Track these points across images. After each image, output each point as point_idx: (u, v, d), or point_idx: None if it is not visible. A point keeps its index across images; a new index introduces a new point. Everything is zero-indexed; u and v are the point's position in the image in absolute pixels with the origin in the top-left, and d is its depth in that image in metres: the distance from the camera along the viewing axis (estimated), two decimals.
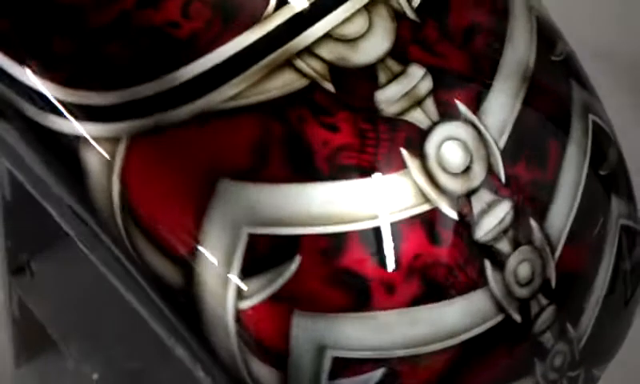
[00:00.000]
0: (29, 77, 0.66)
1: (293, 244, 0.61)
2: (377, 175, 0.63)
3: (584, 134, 0.73)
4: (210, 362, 0.66)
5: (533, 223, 0.68)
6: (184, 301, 0.63)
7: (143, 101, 0.63)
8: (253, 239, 0.61)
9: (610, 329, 0.77)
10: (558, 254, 0.69)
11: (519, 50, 0.71)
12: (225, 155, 0.62)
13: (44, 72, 0.66)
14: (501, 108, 0.68)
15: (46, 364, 1.19)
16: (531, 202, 0.68)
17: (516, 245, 0.67)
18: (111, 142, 0.63)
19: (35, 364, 1.21)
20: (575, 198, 0.71)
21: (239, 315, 0.62)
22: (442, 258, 0.64)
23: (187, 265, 0.62)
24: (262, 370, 0.63)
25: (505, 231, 0.66)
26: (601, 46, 1.55)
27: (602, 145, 0.75)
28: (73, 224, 0.78)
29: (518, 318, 0.67)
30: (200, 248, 0.61)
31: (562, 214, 0.70)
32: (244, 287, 0.61)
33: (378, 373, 0.63)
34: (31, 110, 0.67)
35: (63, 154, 0.66)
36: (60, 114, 0.65)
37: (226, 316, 0.62)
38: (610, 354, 0.78)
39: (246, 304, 0.61)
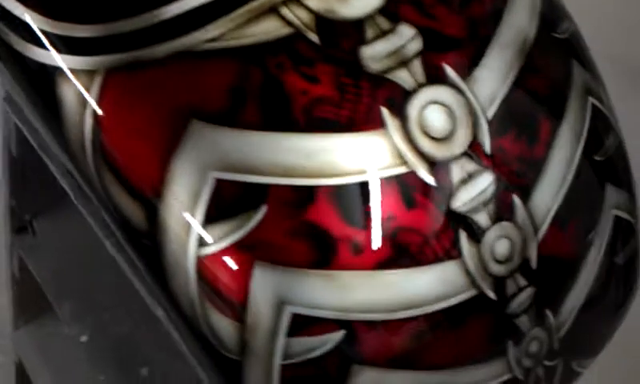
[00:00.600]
0: (17, 6, 0.66)
1: (260, 193, 0.60)
2: (353, 131, 0.62)
3: (581, 116, 0.70)
4: (175, 314, 0.65)
5: (516, 199, 0.65)
6: (149, 244, 0.62)
7: (123, 36, 0.62)
8: (219, 184, 0.60)
9: (595, 324, 0.74)
10: (541, 235, 0.67)
11: (519, 22, 0.69)
12: (200, 97, 0.61)
13: (29, 2, 0.65)
14: (493, 78, 0.66)
15: (44, 327, 1.19)
16: (516, 177, 0.66)
17: (496, 219, 0.64)
18: (88, 75, 0.62)
19: (33, 326, 1.21)
20: (565, 179, 0.68)
21: (200, 262, 0.60)
22: (414, 223, 0.62)
23: (152, 206, 0.61)
24: (220, 321, 0.61)
25: (485, 203, 0.64)
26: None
27: (600, 130, 0.72)
28: (70, 183, 0.78)
29: (492, 295, 0.65)
30: (165, 189, 0.60)
31: (548, 194, 0.67)
32: (206, 233, 0.60)
33: (338, 335, 0.61)
34: (17, 42, 0.66)
35: (43, 86, 0.66)
36: (41, 44, 0.64)
37: (187, 262, 0.60)
38: (593, 350, 0.75)
39: (207, 251, 0.60)
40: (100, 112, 0.61)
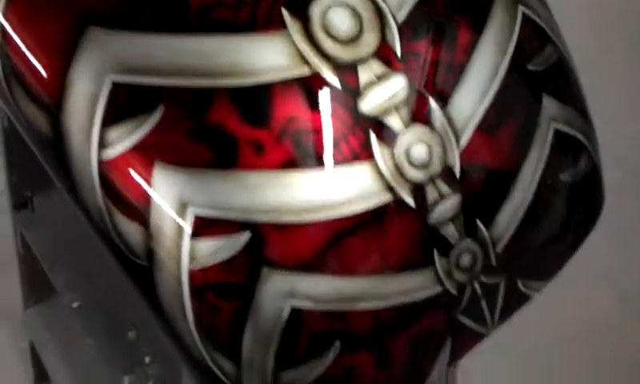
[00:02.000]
0: None
1: (157, 94, 0.60)
2: (253, 33, 0.61)
3: (509, 25, 0.68)
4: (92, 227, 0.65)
5: (432, 104, 0.64)
6: (54, 153, 0.62)
7: None
8: (116, 87, 0.60)
9: (543, 244, 0.71)
10: (464, 141, 0.65)
11: None
12: (96, 3, 0.62)
13: None
14: None
15: (53, 306, 1.21)
16: (433, 82, 0.65)
17: (410, 123, 0.63)
18: None
19: (43, 306, 1.23)
20: (490, 85, 0.66)
21: (102, 166, 0.61)
22: (319, 124, 0.61)
23: (55, 114, 0.62)
24: (126, 226, 0.61)
25: (396, 107, 0.63)
26: None
27: (533, 40, 0.70)
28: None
29: (410, 200, 0.63)
30: (66, 96, 0.61)
31: (470, 99, 0.66)
32: (105, 136, 0.60)
33: (244, 236, 0.60)
34: None
35: None
36: None
37: (90, 167, 0.61)
38: (542, 272, 0.72)
39: (107, 154, 0.60)
40: (5, 25, 0.63)
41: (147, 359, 0.99)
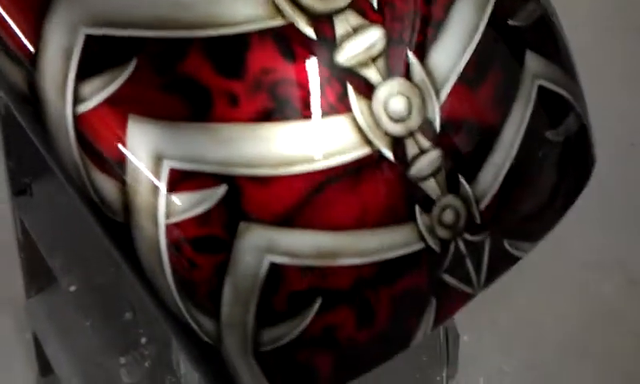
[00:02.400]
0: None
1: (130, 47, 0.60)
2: None
3: None
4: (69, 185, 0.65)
5: (411, 56, 0.64)
6: (31, 109, 0.62)
7: None
8: (90, 40, 0.60)
9: (529, 204, 0.70)
10: (444, 95, 0.64)
11: None
12: None
13: None
14: None
15: (55, 294, 1.21)
16: (411, 34, 0.64)
17: (387, 75, 0.63)
18: None
19: (45, 294, 1.23)
20: (470, 40, 0.66)
21: (77, 120, 0.60)
22: (294, 75, 0.61)
23: (30, 69, 0.61)
24: (103, 181, 0.61)
25: (373, 59, 0.62)
26: None
27: None
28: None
29: (389, 154, 0.63)
30: (40, 51, 0.61)
31: (450, 53, 0.65)
32: (80, 90, 0.60)
33: (220, 189, 0.60)
34: None
35: None
36: None
37: (66, 122, 0.61)
38: (529, 233, 0.71)
39: (82, 108, 0.60)
40: None
41: (144, 340, 0.99)
